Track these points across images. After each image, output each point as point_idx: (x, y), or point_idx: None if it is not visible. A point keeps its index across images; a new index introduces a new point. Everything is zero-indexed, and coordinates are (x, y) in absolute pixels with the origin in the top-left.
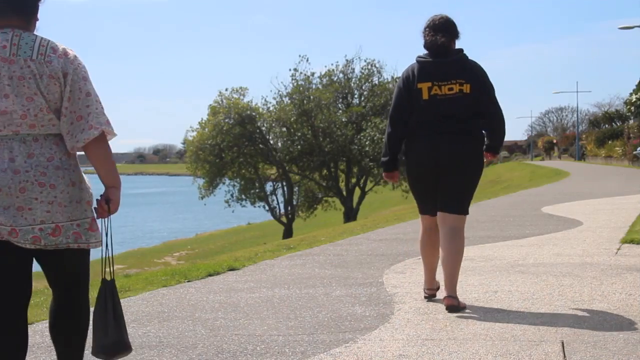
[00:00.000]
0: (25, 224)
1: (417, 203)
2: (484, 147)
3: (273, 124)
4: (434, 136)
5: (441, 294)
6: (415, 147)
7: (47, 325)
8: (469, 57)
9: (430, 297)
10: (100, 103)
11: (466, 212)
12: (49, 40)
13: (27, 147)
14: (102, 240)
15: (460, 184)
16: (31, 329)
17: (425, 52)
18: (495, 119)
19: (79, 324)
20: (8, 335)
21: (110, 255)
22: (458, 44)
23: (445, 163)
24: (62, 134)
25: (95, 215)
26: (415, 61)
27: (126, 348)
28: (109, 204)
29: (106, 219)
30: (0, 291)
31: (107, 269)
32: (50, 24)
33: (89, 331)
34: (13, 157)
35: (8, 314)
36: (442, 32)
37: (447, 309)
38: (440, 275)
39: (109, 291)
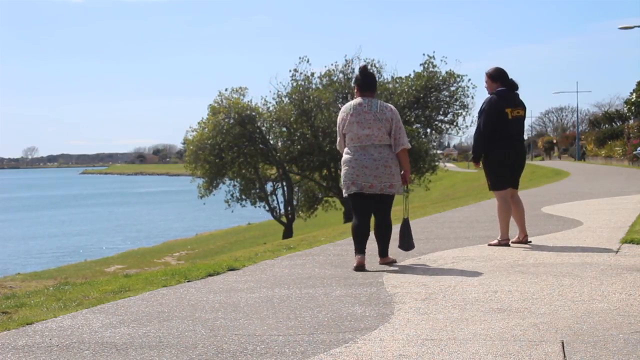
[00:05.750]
0: (377, 183)
1: (498, 182)
2: None
3: (273, 124)
4: (513, 142)
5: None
6: (505, 148)
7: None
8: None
9: (504, 245)
10: (404, 130)
11: None
12: (384, 103)
13: (378, 149)
14: (403, 192)
15: (521, 172)
16: (31, 329)
17: (501, 88)
18: None
19: (386, 231)
20: (366, 224)
21: (407, 204)
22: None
23: (519, 159)
24: (391, 144)
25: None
26: (498, 94)
27: (413, 247)
28: (406, 179)
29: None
30: (363, 214)
31: (405, 212)
32: (51, 24)
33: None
34: (373, 153)
35: (367, 220)
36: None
37: (523, 242)
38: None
39: (406, 223)
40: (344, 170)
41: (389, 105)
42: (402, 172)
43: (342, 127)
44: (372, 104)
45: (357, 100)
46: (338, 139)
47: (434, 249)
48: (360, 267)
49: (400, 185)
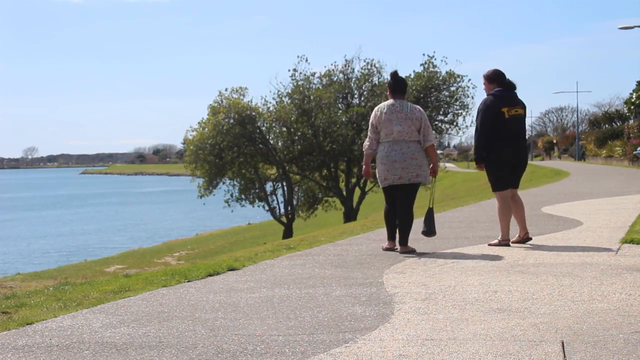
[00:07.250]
0: (405, 174)
1: (498, 183)
2: None
3: (273, 124)
4: (513, 141)
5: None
6: (504, 147)
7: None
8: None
9: (504, 245)
10: (431, 128)
11: None
12: (412, 104)
13: (408, 145)
14: (431, 181)
15: (523, 172)
16: (31, 329)
17: (498, 88)
18: None
19: (407, 221)
20: (394, 214)
21: (433, 194)
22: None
23: (520, 158)
24: (420, 140)
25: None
26: (494, 95)
27: (434, 233)
28: (435, 171)
29: (433, 178)
30: (394, 202)
31: (431, 202)
32: (51, 24)
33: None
34: (402, 148)
35: (393, 209)
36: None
37: (524, 239)
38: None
39: (430, 212)
40: (377, 167)
41: (417, 106)
42: (431, 165)
43: (376, 124)
44: (403, 105)
45: (390, 101)
46: (369, 135)
47: (434, 249)
48: (389, 250)
49: (426, 175)
